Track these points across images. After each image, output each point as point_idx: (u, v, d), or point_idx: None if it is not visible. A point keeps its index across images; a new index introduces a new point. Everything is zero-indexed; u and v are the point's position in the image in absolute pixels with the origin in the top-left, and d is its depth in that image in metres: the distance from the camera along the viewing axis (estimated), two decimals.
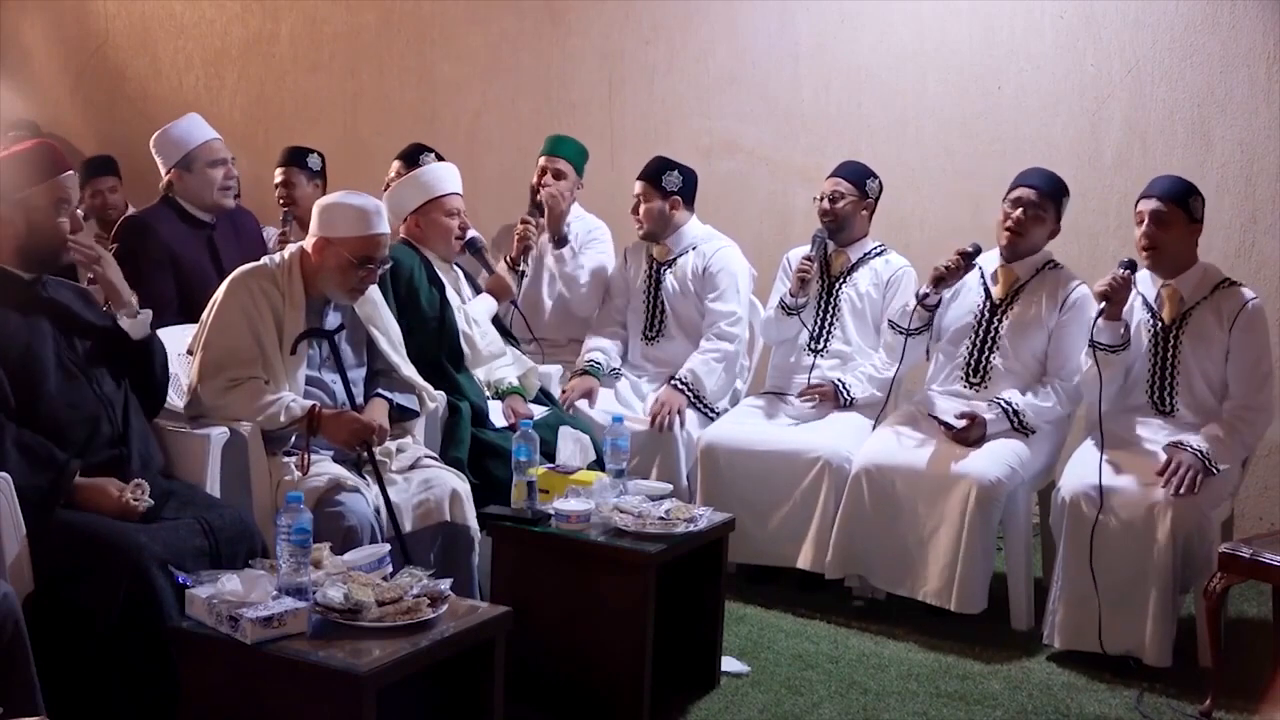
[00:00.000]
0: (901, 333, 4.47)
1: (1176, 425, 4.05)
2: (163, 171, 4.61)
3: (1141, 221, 4.03)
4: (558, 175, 5.15)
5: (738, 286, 4.92)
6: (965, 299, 4.46)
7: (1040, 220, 4.30)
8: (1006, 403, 4.26)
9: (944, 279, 4.37)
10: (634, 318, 5.08)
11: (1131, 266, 4.03)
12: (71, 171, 3.30)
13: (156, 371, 3.43)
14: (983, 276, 4.42)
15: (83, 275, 3.32)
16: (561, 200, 5.13)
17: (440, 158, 5.38)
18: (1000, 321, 4.37)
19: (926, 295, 4.40)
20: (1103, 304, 4.00)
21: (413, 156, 5.23)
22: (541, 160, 5.20)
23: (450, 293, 4.47)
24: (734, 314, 4.88)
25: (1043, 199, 4.29)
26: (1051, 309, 4.31)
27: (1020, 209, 4.28)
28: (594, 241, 5.27)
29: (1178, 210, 4.00)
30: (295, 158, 5.58)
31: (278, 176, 5.55)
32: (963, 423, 4.24)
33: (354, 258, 3.65)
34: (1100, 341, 4.02)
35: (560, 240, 5.15)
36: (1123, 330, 4.02)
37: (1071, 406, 4.35)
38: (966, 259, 4.35)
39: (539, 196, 5.08)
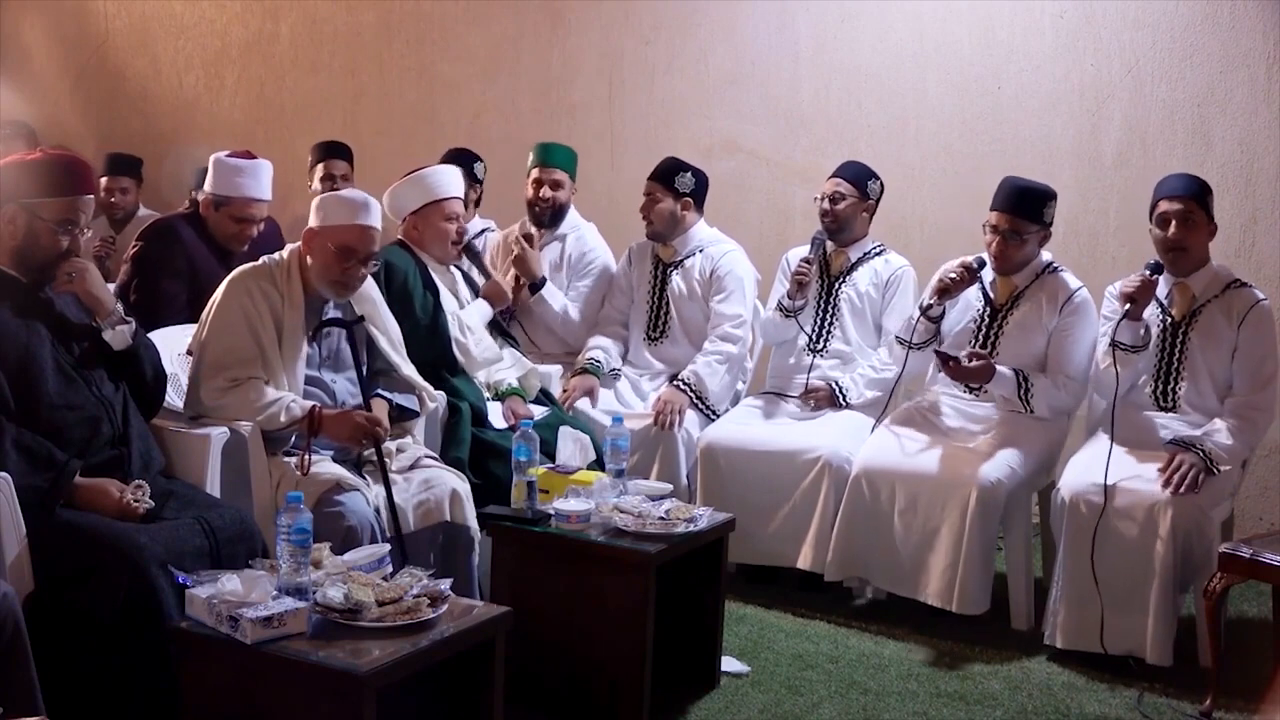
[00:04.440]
0: (905, 346, 4.47)
1: (1178, 421, 4.06)
2: (206, 187, 4.60)
3: (1167, 223, 4.02)
4: (555, 186, 5.09)
5: (744, 290, 4.92)
6: (965, 305, 4.44)
7: (1021, 241, 4.27)
8: (1017, 369, 4.26)
9: (948, 290, 4.35)
10: (637, 318, 5.06)
11: (1157, 269, 4.03)
12: (91, 196, 3.29)
13: (146, 377, 3.41)
14: (981, 282, 4.42)
15: (60, 283, 3.27)
16: (536, 265, 5.03)
17: (483, 167, 5.39)
18: (1000, 327, 4.37)
19: (930, 306, 4.39)
20: (1127, 305, 4.01)
21: (456, 161, 5.18)
22: (535, 172, 5.12)
23: (446, 297, 4.45)
24: (739, 316, 4.87)
25: (1015, 222, 4.25)
26: (1052, 313, 4.30)
27: (998, 237, 4.28)
28: (589, 267, 5.16)
29: (1201, 210, 4.03)
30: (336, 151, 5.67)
31: (319, 172, 5.62)
32: (975, 364, 4.21)
33: (335, 247, 3.64)
34: (1122, 342, 4.02)
35: (534, 286, 5.02)
36: (1143, 331, 4.03)
37: (1075, 402, 4.35)
38: (971, 273, 4.33)
39: (511, 260, 5.00)
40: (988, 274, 4.40)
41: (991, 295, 4.40)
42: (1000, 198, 4.30)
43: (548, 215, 5.11)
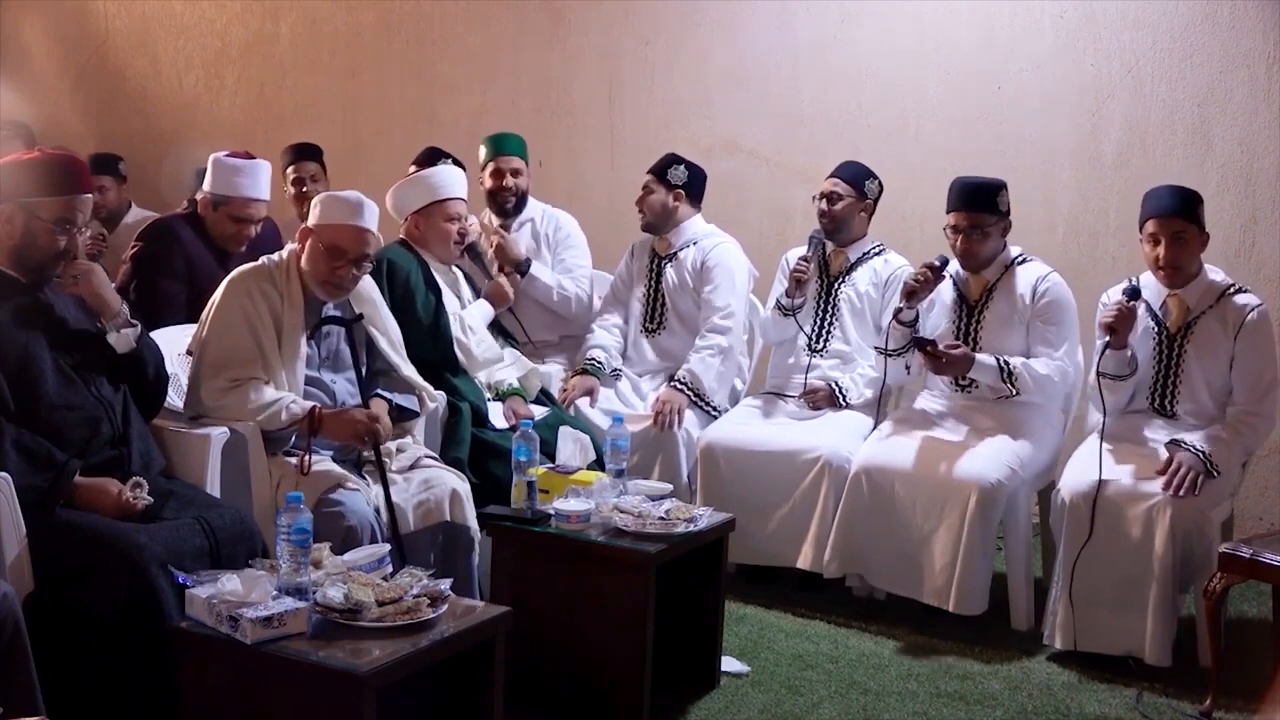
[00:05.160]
0: (882, 354, 4.47)
1: (1178, 427, 4.05)
2: (204, 187, 4.60)
3: (1157, 242, 4.00)
4: (515, 173, 5.13)
5: (734, 281, 4.92)
6: (941, 307, 4.45)
7: (984, 235, 4.29)
8: (998, 355, 4.26)
9: (915, 293, 4.36)
10: (635, 309, 5.08)
11: (1135, 294, 4.01)
12: (88, 195, 3.28)
13: (149, 379, 3.41)
14: (955, 282, 4.42)
15: (64, 284, 3.27)
16: (516, 248, 5.04)
17: (459, 163, 5.39)
18: (978, 324, 4.37)
19: (900, 310, 4.39)
20: (1108, 335, 3.99)
21: (430, 160, 5.20)
22: (493, 164, 5.14)
23: (448, 297, 4.46)
24: (728, 307, 4.87)
25: (972, 216, 4.27)
26: (1026, 303, 4.31)
27: (960, 235, 4.29)
28: (568, 239, 5.21)
29: (1192, 226, 3.99)
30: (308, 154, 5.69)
31: (290, 174, 5.64)
32: (955, 352, 4.22)
33: (325, 246, 3.64)
34: (1106, 372, 4.02)
35: (522, 269, 5.03)
36: (1130, 356, 4.01)
37: (1064, 381, 4.33)
38: (935, 272, 4.33)
39: (489, 252, 4.98)
40: (961, 274, 4.41)
41: (965, 294, 4.40)
42: (954, 198, 4.33)
43: (512, 203, 5.15)
